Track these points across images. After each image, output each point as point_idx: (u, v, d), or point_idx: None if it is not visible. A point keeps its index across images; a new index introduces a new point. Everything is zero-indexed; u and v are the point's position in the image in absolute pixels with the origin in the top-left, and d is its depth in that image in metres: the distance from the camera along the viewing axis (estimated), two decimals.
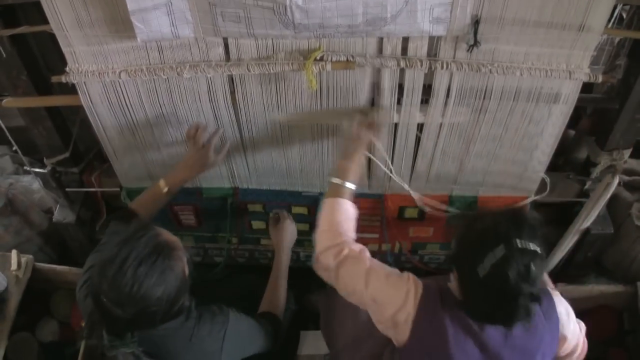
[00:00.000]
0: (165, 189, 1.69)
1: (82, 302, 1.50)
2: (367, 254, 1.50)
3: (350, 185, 1.53)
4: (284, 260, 1.93)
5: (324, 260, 1.49)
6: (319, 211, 1.55)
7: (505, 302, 1.23)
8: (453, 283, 1.41)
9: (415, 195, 1.93)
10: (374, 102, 1.68)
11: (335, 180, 1.53)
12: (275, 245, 1.98)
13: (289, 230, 2.00)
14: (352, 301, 1.51)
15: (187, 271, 1.37)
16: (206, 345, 1.48)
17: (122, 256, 1.27)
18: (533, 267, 1.21)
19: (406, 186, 1.88)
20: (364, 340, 1.76)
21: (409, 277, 1.45)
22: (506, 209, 1.35)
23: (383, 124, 1.68)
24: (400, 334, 1.42)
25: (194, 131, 1.68)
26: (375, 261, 1.49)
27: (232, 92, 1.67)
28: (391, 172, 1.83)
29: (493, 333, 1.35)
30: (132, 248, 1.28)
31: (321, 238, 1.52)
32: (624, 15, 1.86)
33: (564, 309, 1.45)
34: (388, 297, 1.42)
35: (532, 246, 1.23)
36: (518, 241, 1.22)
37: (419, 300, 1.38)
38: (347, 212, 1.53)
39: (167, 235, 1.38)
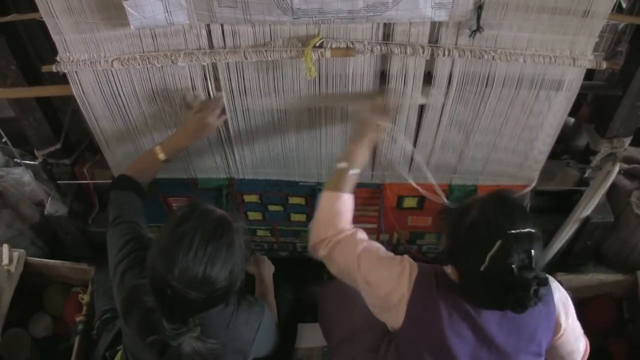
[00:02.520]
0: (163, 157, 1.64)
1: (119, 287, 1.43)
2: (362, 235, 1.49)
3: (355, 171, 1.51)
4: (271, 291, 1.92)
5: (319, 250, 1.49)
6: (318, 201, 1.53)
7: (513, 291, 1.20)
8: (449, 268, 1.39)
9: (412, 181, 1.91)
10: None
11: (342, 165, 1.51)
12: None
13: (269, 266, 2.00)
14: (348, 283, 1.49)
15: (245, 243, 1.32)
16: (242, 333, 1.48)
17: (188, 236, 1.21)
18: (533, 251, 1.19)
19: (425, 169, 1.84)
20: (362, 333, 1.74)
21: (404, 258, 1.43)
22: (489, 195, 1.32)
23: (391, 107, 1.65)
24: (394, 317, 1.39)
25: (190, 98, 1.64)
26: (372, 243, 1.47)
27: (229, 80, 1.63)
28: (411, 155, 1.82)
29: (489, 317, 1.33)
30: (194, 227, 1.23)
31: (317, 229, 1.50)
32: (622, 2, 1.84)
33: (560, 295, 1.43)
34: (381, 279, 1.40)
35: (527, 230, 1.20)
36: (512, 230, 1.20)
37: (413, 282, 1.36)
38: (345, 206, 1.50)
39: (219, 210, 1.33)
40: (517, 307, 1.23)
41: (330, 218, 1.49)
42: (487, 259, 1.20)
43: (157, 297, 1.24)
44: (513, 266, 1.18)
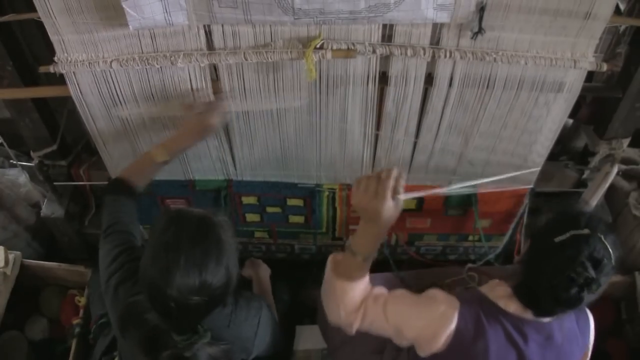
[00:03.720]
0: (164, 158, 1.58)
1: (113, 302, 1.41)
2: (382, 295, 1.42)
3: (369, 258, 1.35)
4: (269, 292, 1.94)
5: (343, 326, 1.43)
6: (331, 288, 1.41)
7: (565, 276, 1.22)
8: (492, 284, 1.41)
9: None
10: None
11: (359, 258, 1.33)
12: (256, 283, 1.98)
13: (265, 269, 2.02)
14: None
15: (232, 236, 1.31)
16: (243, 331, 1.48)
17: (175, 246, 1.19)
18: (605, 262, 1.21)
19: None
20: (363, 336, 1.73)
21: (436, 297, 1.39)
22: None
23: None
24: (431, 347, 1.36)
25: (190, 99, 1.63)
26: (392, 297, 1.41)
27: (229, 81, 1.61)
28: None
29: (534, 347, 1.34)
30: (177, 235, 1.21)
31: (332, 313, 1.43)
32: (620, 4, 1.84)
33: (592, 330, 1.47)
34: (417, 329, 1.37)
35: (611, 252, 1.23)
36: (603, 237, 1.23)
37: (457, 316, 1.34)
38: (361, 290, 1.40)
39: (196, 209, 1.31)
40: (557, 299, 1.26)
41: (344, 303, 1.39)
42: (569, 235, 1.24)
43: (160, 312, 1.23)
44: (583, 249, 1.21)
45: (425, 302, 1.40)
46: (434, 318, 1.35)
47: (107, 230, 1.51)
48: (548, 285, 1.26)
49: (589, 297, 1.24)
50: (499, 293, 1.39)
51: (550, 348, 1.35)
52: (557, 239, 1.25)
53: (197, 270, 1.19)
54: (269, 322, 1.60)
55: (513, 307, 1.35)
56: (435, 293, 1.41)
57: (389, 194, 1.23)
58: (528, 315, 1.34)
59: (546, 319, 1.34)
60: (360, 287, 1.38)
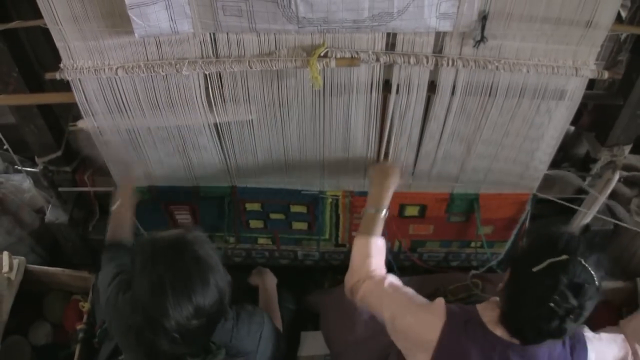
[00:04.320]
0: (116, 202, 1.77)
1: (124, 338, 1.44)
2: (391, 280, 1.52)
3: (384, 213, 1.62)
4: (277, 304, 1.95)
5: (354, 294, 1.55)
6: (353, 247, 1.60)
7: (545, 307, 1.20)
8: (489, 302, 1.41)
9: None
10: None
11: (370, 210, 1.62)
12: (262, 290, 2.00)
13: (271, 277, 2.07)
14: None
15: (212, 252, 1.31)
16: (245, 345, 1.48)
17: (158, 280, 1.20)
18: (586, 287, 1.19)
19: None
20: (366, 342, 1.74)
21: (435, 304, 1.43)
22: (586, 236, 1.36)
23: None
24: (419, 356, 1.40)
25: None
26: (400, 289, 1.50)
27: (233, 90, 1.63)
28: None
29: None
30: (155, 267, 1.22)
31: (351, 273, 1.58)
32: (622, 12, 1.85)
33: (595, 355, 1.42)
34: (407, 325, 1.42)
35: (594, 275, 1.21)
36: (583, 260, 1.21)
37: (441, 329, 1.36)
38: (376, 248, 1.58)
39: (167, 232, 1.32)
40: (537, 330, 1.24)
41: (362, 260, 1.55)
42: (546, 264, 1.21)
43: (167, 341, 1.23)
44: (561, 278, 1.19)
45: (422, 304, 1.45)
46: (424, 319, 1.40)
47: (105, 260, 1.59)
48: (529, 317, 1.26)
49: (572, 326, 1.22)
50: (490, 316, 1.38)
51: None
52: (535, 269, 1.23)
53: (186, 297, 1.20)
54: (271, 336, 1.60)
55: (500, 331, 1.35)
56: (437, 302, 1.44)
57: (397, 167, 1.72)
58: (515, 341, 1.33)
59: (534, 347, 1.33)
60: (379, 243, 1.59)
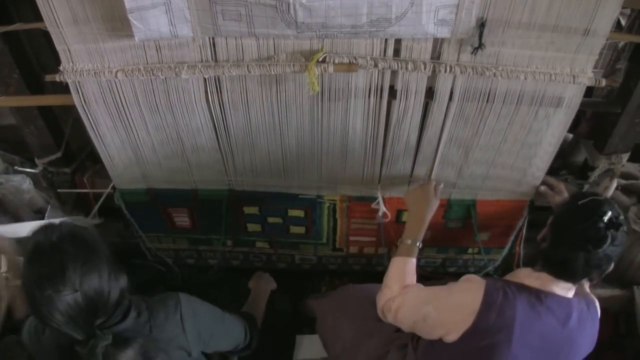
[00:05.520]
0: None
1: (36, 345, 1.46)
2: (416, 285, 1.60)
3: (420, 243, 1.68)
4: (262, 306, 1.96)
5: (386, 314, 1.58)
6: (389, 269, 1.65)
7: (591, 222, 1.33)
8: (518, 272, 1.51)
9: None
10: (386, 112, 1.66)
11: (408, 242, 1.67)
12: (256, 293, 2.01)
13: (267, 282, 2.11)
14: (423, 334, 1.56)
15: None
16: (168, 330, 1.45)
17: (39, 239, 1.25)
18: (621, 230, 1.34)
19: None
20: (364, 341, 1.75)
21: (472, 277, 1.50)
22: None
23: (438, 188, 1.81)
24: (455, 332, 1.44)
25: None
26: (427, 288, 1.56)
27: (231, 93, 1.63)
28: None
29: (553, 322, 1.40)
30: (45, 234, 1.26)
31: (384, 288, 1.61)
32: (621, 20, 1.86)
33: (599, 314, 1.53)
34: (454, 302, 1.47)
35: (623, 223, 1.35)
36: (622, 217, 1.36)
37: (484, 290, 1.42)
38: (412, 267, 1.64)
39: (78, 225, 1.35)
40: (595, 240, 1.33)
41: (397, 278, 1.60)
42: (589, 198, 1.38)
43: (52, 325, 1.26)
44: (607, 210, 1.34)
45: (458, 283, 1.52)
46: (465, 290, 1.47)
47: None
48: (576, 230, 1.36)
49: (610, 249, 1.34)
50: (522, 273, 1.47)
51: (566, 329, 1.41)
52: (580, 202, 1.38)
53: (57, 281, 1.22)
54: (198, 312, 1.55)
55: (537, 282, 1.43)
56: (469, 275, 1.51)
57: (432, 190, 1.75)
58: (552, 286, 1.42)
59: (570, 291, 1.43)
60: (413, 264, 1.65)
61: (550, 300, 1.41)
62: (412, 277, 1.62)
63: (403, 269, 1.61)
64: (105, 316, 1.32)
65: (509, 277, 1.52)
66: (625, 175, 2.23)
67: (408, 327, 1.54)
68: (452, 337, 1.43)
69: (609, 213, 1.33)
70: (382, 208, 1.91)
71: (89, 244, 1.29)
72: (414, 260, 1.64)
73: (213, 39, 1.50)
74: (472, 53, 1.48)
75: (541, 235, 1.49)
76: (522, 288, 1.43)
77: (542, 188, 1.89)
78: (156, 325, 1.42)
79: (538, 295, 1.41)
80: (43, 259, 1.24)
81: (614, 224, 1.33)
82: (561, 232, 1.42)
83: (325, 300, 2.06)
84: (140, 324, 1.41)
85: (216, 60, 1.55)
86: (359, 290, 1.99)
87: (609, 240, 1.32)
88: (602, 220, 1.33)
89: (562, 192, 1.83)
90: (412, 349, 1.62)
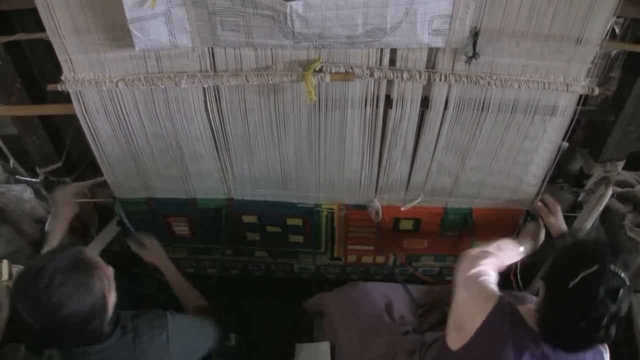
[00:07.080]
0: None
1: None
2: (485, 265, 1.57)
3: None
4: (173, 270, 1.94)
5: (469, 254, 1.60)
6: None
7: (589, 319, 1.23)
8: (527, 307, 1.43)
9: None
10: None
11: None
12: (156, 261, 1.96)
13: (157, 245, 1.99)
14: None
15: (109, 296, 1.35)
16: (152, 353, 1.45)
17: (40, 265, 1.27)
18: (621, 292, 1.22)
19: None
20: (371, 340, 1.76)
21: (492, 293, 1.47)
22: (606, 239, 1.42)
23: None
24: (458, 340, 1.43)
25: None
26: (481, 272, 1.53)
27: (230, 103, 1.66)
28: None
29: None
30: (51, 259, 1.29)
31: (486, 247, 1.65)
32: (616, 29, 1.88)
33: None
34: (470, 311, 1.46)
35: (624, 275, 1.24)
36: (612, 265, 1.24)
37: (488, 313, 1.40)
38: (509, 253, 1.70)
39: (92, 255, 1.38)
40: (587, 339, 1.28)
41: (505, 244, 1.68)
42: (580, 277, 1.24)
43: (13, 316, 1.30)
44: (599, 288, 1.21)
45: (485, 288, 1.49)
46: (477, 302, 1.45)
47: None
48: (574, 330, 1.28)
49: (614, 329, 1.25)
50: (529, 316, 1.41)
51: None
52: (570, 285, 1.25)
53: (40, 294, 1.25)
54: (183, 333, 1.55)
55: (538, 329, 1.38)
56: (495, 293, 1.48)
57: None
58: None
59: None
60: (519, 248, 1.75)
61: (546, 347, 1.37)
62: (503, 257, 1.64)
63: (509, 243, 1.71)
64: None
65: (521, 309, 1.46)
66: (620, 183, 2.24)
67: (458, 281, 1.54)
68: (459, 339, 1.43)
69: (607, 285, 1.23)
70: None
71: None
72: (518, 249, 1.74)
73: (212, 49, 1.53)
74: (466, 62, 1.51)
75: (539, 301, 1.42)
76: (522, 328, 1.39)
77: (539, 204, 1.89)
78: (140, 346, 1.43)
79: (532, 342, 1.37)
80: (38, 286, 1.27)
81: (614, 294, 1.22)
82: (559, 320, 1.33)
83: (333, 296, 2.07)
84: (124, 343, 1.42)
85: (215, 70, 1.57)
86: (368, 287, 2.01)
87: (613, 331, 1.25)
88: (603, 317, 1.22)
89: (557, 214, 1.82)
90: (419, 357, 1.62)
